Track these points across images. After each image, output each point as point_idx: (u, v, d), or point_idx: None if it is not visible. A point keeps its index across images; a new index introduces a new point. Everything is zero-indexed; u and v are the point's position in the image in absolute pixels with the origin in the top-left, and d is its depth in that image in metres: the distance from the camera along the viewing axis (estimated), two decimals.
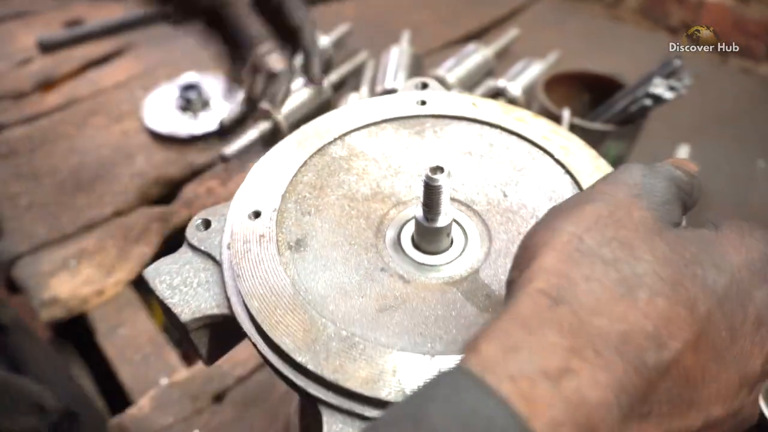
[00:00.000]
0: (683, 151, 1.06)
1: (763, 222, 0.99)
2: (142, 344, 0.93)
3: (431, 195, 0.41)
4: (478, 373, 0.25)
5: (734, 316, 0.29)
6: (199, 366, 0.90)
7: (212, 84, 1.30)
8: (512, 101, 1.16)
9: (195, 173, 1.19)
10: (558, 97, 1.01)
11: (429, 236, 0.42)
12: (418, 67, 1.31)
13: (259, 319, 0.37)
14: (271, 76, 0.74)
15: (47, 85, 1.40)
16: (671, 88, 0.83)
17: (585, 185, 0.45)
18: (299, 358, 0.35)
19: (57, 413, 0.63)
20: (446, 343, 0.37)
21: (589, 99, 1.06)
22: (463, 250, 0.44)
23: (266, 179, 0.46)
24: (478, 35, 1.53)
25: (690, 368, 0.28)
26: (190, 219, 0.45)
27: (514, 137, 0.50)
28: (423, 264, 0.43)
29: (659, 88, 0.82)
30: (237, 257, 0.41)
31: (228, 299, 0.40)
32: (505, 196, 0.46)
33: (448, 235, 0.43)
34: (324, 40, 1.25)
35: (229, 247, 0.42)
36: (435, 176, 0.40)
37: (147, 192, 1.15)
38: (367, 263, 0.42)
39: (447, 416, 0.24)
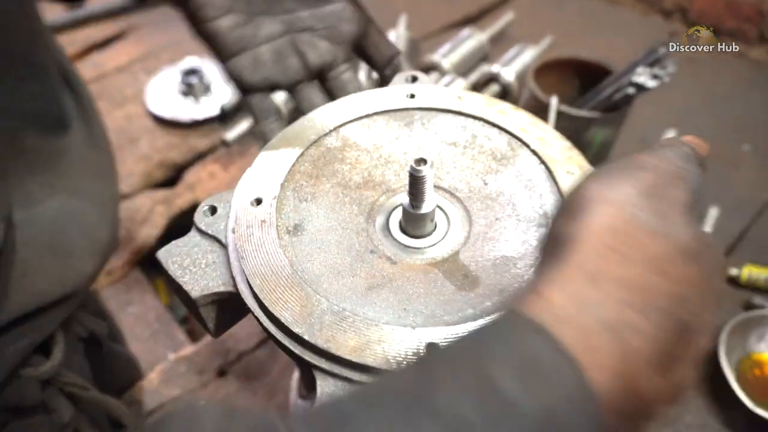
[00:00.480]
0: (670, 136, 1.09)
1: (748, 204, 1.03)
2: (151, 321, 0.99)
3: (416, 184, 0.45)
4: (545, 322, 0.27)
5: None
6: (204, 342, 0.95)
7: (213, 69, 1.32)
8: (506, 86, 1.19)
9: (197, 157, 1.22)
10: (549, 82, 1.03)
11: (414, 222, 0.47)
12: (414, 51, 1.33)
13: (261, 296, 0.42)
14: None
15: None
16: (654, 77, 0.86)
17: (558, 174, 0.49)
18: (296, 330, 0.39)
19: None
20: (426, 317, 0.41)
21: (579, 84, 1.09)
22: (446, 233, 0.48)
23: (267, 169, 0.51)
24: (476, 18, 1.55)
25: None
26: (193, 202, 0.49)
27: (495, 129, 0.54)
28: (409, 247, 0.47)
29: (642, 77, 0.86)
30: (241, 240, 0.45)
31: (233, 278, 0.45)
32: (485, 184, 0.50)
33: (432, 220, 0.48)
34: None
35: (233, 231, 0.46)
36: (419, 167, 0.44)
37: (151, 175, 1.19)
38: (358, 246, 0.47)
39: (506, 361, 0.26)
